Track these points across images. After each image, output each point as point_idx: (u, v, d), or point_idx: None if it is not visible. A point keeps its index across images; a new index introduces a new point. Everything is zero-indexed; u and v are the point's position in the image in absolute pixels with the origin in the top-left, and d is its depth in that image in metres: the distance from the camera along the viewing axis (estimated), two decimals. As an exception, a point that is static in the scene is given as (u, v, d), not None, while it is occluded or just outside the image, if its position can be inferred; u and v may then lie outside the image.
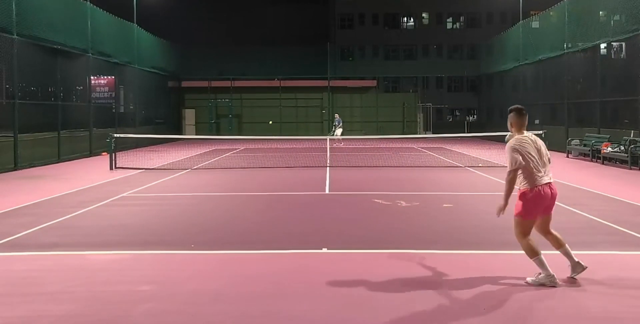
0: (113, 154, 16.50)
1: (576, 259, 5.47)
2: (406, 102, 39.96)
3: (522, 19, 29.51)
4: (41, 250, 6.83)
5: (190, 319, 4.49)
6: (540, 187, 5.34)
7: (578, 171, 15.90)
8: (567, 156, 20.48)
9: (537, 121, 26.62)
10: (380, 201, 10.37)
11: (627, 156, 16.10)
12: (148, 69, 29.73)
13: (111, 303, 4.86)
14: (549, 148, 20.23)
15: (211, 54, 38.33)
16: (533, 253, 5.31)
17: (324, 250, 6.67)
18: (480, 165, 17.46)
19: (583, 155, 19.76)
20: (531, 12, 32.52)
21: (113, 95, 25.22)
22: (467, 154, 22.30)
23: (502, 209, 5.41)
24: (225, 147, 27.39)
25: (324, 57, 38.39)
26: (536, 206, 5.38)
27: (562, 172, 15.52)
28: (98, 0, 22.91)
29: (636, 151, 15.97)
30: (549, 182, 5.45)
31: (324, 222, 8.48)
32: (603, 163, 17.56)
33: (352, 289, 5.23)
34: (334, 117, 29.88)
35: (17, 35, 16.59)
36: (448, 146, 27.06)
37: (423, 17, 51.08)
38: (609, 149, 17.43)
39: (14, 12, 16.49)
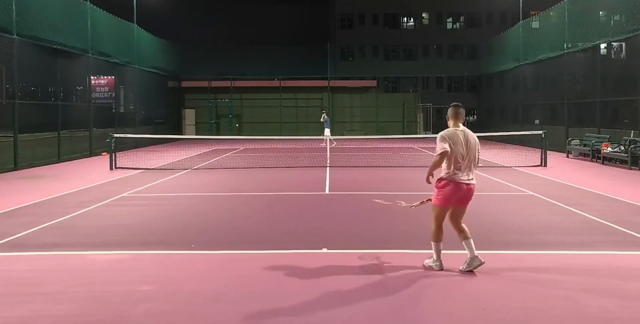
0: (113, 154, 16.50)
1: (475, 253, 5.77)
2: (406, 102, 39.95)
3: (522, 19, 29.50)
4: (41, 250, 6.83)
5: (190, 319, 4.49)
6: (457, 183, 5.74)
7: (578, 171, 15.90)
8: (567, 156, 20.48)
9: (537, 121, 26.64)
10: (380, 201, 10.30)
11: (627, 156, 16.10)
12: (148, 69, 29.73)
13: (111, 303, 4.86)
14: (549, 148, 19.95)
15: (211, 54, 38.33)
16: (437, 238, 5.80)
17: (324, 250, 6.67)
18: (479, 165, 17.43)
19: (583, 155, 19.75)
20: (531, 12, 32.52)
21: (113, 95, 25.22)
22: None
23: (427, 179, 5.87)
24: (225, 147, 27.39)
25: (324, 57, 38.38)
26: (450, 196, 5.78)
27: (562, 172, 15.53)
28: (98, 0, 22.91)
29: (636, 151, 15.96)
30: (468, 183, 5.80)
31: (324, 222, 8.48)
32: (603, 163, 17.56)
33: (352, 289, 5.22)
34: (323, 116, 28.78)
35: (17, 35, 16.59)
36: (448, 146, 27.00)
37: (423, 17, 51.05)
38: (609, 149, 17.43)
39: (14, 12, 16.49)
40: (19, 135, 16.63)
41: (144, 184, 13.10)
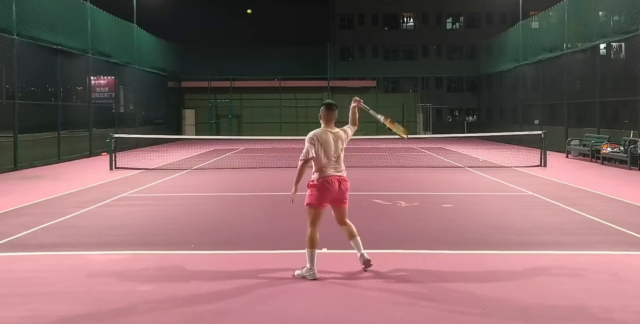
0: (113, 154, 16.50)
1: (363, 254, 5.83)
2: (406, 103, 39.94)
3: (522, 19, 29.50)
4: (41, 250, 6.83)
5: (190, 319, 4.49)
6: (327, 178, 5.74)
7: (578, 171, 15.91)
8: (567, 156, 20.48)
9: (536, 121, 26.64)
10: (380, 201, 10.38)
11: (627, 156, 16.11)
12: (148, 69, 29.71)
13: (111, 303, 4.86)
14: (549, 148, 20.00)
15: (211, 54, 38.31)
16: (310, 244, 5.63)
17: (324, 250, 6.66)
18: (480, 165, 17.46)
19: (582, 155, 19.76)
20: (531, 13, 32.50)
21: (113, 95, 25.21)
22: (467, 154, 22.30)
23: (293, 194, 5.86)
24: (225, 147, 27.39)
25: (324, 57, 38.38)
26: (321, 195, 5.73)
27: (561, 172, 15.53)
28: (98, 1, 22.91)
29: (635, 151, 15.97)
30: (339, 176, 5.82)
31: (324, 223, 8.46)
32: (602, 163, 17.57)
33: (352, 289, 5.23)
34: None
35: (17, 35, 16.58)
36: (448, 146, 27.07)
37: (423, 17, 51.05)
38: (609, 149, 17.44)
39: (14, 13, 16.48)
40: (19, 135, 16.62)
41: (144, 184, 13.10)
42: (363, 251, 5.85)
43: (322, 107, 5.99)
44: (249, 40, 50.26)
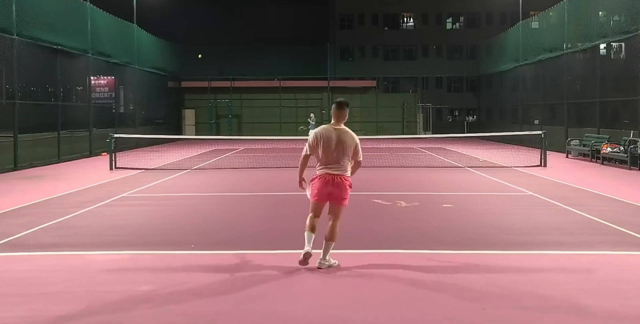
0: (113, 155, 16.50)
1: (322, 261, 5.87)
2: (406, 103, 39.95)
3: (522, 19, 29.51)
4: (41, 250, 6.83)
5: (190, 319, 4.49)
6: (321, 176, 5.93)
7: (578, 171, 15.91)
8: (567, 156, 20.48)
9: (536, 121, 26.64)
10: (380, 201, 10.38)
11: (627, 156, 16.11)
12: (148, 69, 29.71)
13: (111, 303, 4.86)
14: (549, 148, 19.91)
15: (211, 54, 38.33)
16: (307, 227, 5.95)
17: (324, 250, 6.67)
18: (480, 165, 17.46)
19: (582, 155, 19.76)
20: (531, 13, 32.51)
21: (113, 95, 25.21)
22: (467, 154, 22.30)
23: (299, 183, 6.33)
24: (225, 147, 27.39)
25: (324, 57, 38.39)
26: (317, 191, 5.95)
27: (561, 172, 15.54)
28: (98, 1, 22.91)
29: (635, 151, 15.96)
30: (335, 174, 5.89)
31: (324, 223, 8.47)
32: (602, 163, 17.57)
33: (352, 289, 5.23)
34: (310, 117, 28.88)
35: (17, 35, 16.58)
36: (448, 146, 27.07)
37: (423, 17, 51.04)
38: (609, 149, 17.44)
39: (14, 13, 16.48)
40: (19, 135, 16.62)
41: (144, 184, 13.10)
42: (326, 258, 5.89)
43: (332, 105, 6.05)
44: (249, 40, 50.32)
